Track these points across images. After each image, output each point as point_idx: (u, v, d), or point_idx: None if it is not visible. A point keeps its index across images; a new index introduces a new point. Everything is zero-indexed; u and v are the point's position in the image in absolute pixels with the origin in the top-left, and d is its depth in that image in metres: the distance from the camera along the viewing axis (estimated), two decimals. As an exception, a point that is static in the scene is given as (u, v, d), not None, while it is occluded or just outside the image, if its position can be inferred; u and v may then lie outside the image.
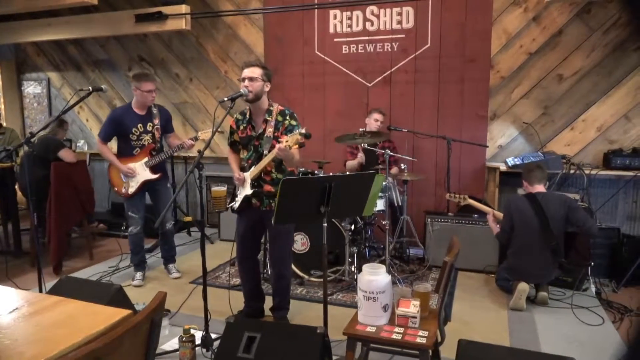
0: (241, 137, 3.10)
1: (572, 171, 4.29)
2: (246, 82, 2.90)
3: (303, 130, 2.71)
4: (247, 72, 2.92)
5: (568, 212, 3.44)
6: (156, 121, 3.97)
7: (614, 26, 4.30)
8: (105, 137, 3.90)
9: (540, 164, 3.82)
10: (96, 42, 6.38)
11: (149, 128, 3.93)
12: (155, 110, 3.99)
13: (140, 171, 3.92)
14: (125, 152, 3.93)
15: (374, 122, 4.51)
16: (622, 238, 4.09)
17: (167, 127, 4.10)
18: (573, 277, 3.74)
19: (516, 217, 3.55)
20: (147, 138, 3.93)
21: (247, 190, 3.04)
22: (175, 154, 4.18)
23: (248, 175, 3.04)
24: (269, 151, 2.94)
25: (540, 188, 3.60)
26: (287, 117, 3.02)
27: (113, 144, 4.09)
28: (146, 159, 3.93)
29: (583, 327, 3.20)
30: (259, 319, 3.27)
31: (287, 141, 2.73)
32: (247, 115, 3.07)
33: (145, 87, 3.82)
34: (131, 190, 3.91)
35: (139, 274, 4.07)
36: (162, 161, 4.00)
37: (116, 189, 3.96)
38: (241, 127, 3.10)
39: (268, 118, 3.00)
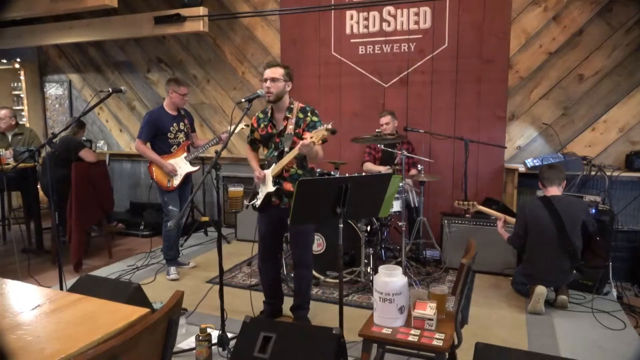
0: (262, 135, 3.12)
1: (593, 173, 4.21)
2: (268, 83, 2.92)
3: (329, 126, 2.72)
4: (269, 72, 2.94)
5: (586, 218, 3.39)
6: (186, 121, 4.26)
7: (636, 25, 4.21)
8: (146, 138, 4.08)
9: (554, 164, 3.72)
10: (116, 44, 6.48)
11: (181, 127, 4.21)
12: (182, 112, 4.26)
13: (182, 165, 4.16)
14: (164, 150, 4.13)
15: (380, 126, 4.47)
16: (645, 241, 4.00)
17: (192, 127, 4.36)
18: (593, 280, 3.66)
19: (531, 221, 3.48)
20: (181, 136, 4.20)
21: (270, 188, 3.02)
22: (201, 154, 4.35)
23: (269, 173, 3.03)
24: (290, 148, 2.93)
25: (554, 191, 3.49)
26: (309, 114, 3.04)
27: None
28: (185, 154, 4.18)
29: (604, 332, 3.14)
30: (277, 318, 3.27)
31: (311, 137, 2.74)
32: (269, 114, 3.09)
33: (183, 91, 4.14)
34: (175, 183, 4.14)
35: (173, 269, 4.21)
36: (198, 156, 4.28)
37: (160, 183, 4.11)
38: (262, 125, 3.12)
39: (288, 115, 3.02)
